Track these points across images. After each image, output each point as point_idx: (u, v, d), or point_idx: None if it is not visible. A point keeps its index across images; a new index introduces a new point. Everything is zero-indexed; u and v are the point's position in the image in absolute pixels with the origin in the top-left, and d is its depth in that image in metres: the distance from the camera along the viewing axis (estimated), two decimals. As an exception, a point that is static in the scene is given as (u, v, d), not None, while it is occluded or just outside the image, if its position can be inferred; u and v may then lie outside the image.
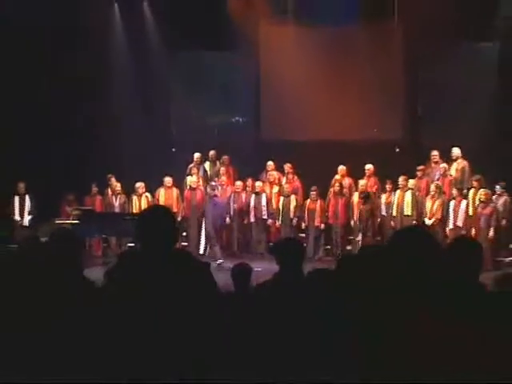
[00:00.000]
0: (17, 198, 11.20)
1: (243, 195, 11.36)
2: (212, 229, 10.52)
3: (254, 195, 11.27)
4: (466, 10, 11.04)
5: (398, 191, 10.76)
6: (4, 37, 10.81)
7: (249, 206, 11.25)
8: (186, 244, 10.93)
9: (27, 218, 11.18)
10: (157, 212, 3.03)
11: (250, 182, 11.56)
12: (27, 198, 11.22)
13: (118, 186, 11.44)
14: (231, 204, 11.29)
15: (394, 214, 10.69)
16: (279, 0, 12.31)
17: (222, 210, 10.92)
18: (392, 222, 10.67)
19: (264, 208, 11.24)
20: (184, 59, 13.11)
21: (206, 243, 10.97)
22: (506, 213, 10.27)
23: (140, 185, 11.32)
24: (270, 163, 11.72)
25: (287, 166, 11.63)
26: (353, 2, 11.95)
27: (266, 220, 11.28)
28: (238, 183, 11.45)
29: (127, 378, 2.62)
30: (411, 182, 10.76)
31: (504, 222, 10.24)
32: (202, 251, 10.97)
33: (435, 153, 11.13)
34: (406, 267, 2.49)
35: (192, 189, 11.36)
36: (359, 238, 10.48)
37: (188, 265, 2.88)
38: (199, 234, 11.21)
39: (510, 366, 2.23)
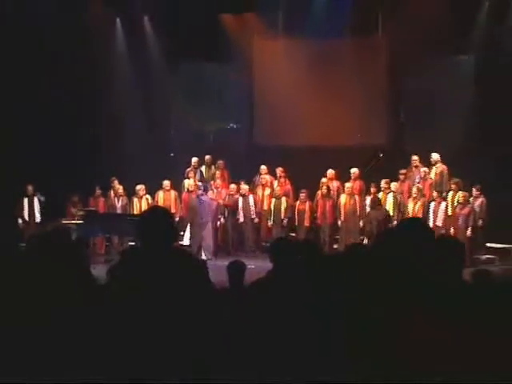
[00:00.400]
0: (26, 200, 11.14)
1: (237, 197, 11.35)
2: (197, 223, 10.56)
3: (241, 198, 11.27)
4: (444, 26, 11.07)
5: (381, 193, 10.78)
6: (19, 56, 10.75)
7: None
8: (183, 243, 10.88)
9: (38, 218, 11.13)
10: (156, 213, 3.03)
11: (242, 185, 11.57)
12: (35, 199, 11.17)
13: (120, 189, 11.38)
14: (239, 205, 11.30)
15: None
16: (271, 16, 12.28)
17: (207, 207, 10.85)
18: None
19: (252, 208, 11.26)
20: (182, 71, 13.08)
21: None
22: (482, 213, 10.28)
23: (140, 187, 11.26)
24: (264, 167, 11.71)
25: (279, 170, 11.62)
26: (340, 17, 11.94)
27: (253, 219, 11.31)
28: (232, 186, 11.45)
29: (129, 374, 2.58)
30: (394, 184, 10.77)
31: (480, 222, 10.25)
32: (187, 242, 10.93)
33: (415, 157, 11.17)
34: (401, 261, 2.46)
35: (189, 191, 11.34)
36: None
37: (186, 262, 2.87)
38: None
39: (502, 362, 2.20)
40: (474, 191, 10.40)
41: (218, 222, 11.36)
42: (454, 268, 2.77)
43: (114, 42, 12.56)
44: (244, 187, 11.36)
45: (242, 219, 11.29)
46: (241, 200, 11.28)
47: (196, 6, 11.55)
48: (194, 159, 11.96)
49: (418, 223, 2.81)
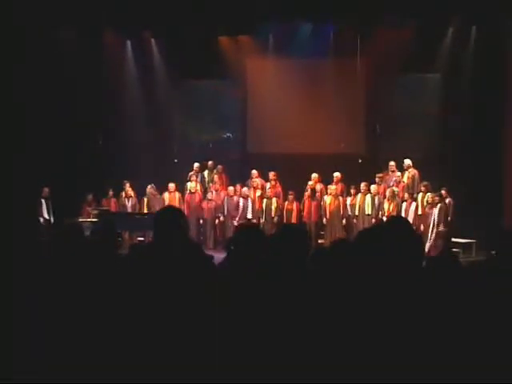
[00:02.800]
0: (43, 201, 11.07)
1: (235, 198, 11.32)
2: None
3: (226, 198, 11.25)
4: (414, 49, 11.22)
5: (360, 195, 10.84)
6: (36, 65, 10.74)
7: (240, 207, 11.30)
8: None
9: (52, 218, 11.08)
10: (170, 211, 3.07)
11: (238, 187, 11.55)
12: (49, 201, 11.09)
13: (130, 191, 11.39)
14: (225, 205, 11.27)
15: (357, 213, 10.76)
16: (263, 39, 12.33)
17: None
18: (355, 220, 10.76)
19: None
20: (184, 87, 13.09)
21: None
22: (450, 213, 10.39)
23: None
24: (254, 172, 11.69)
25: (271, 174, 11.62)
26: (324, 41, 12.06)
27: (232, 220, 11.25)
28: (231, 188, 11.40)
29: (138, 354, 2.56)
30: (373, 187, 10.83)
31: (449, 219, 10.36)
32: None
33: (392, 163, 11.23)
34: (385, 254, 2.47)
35: (191, 193, 11.35)
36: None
37: (195, 253, 2.91)
38: (198, 230, 11.21)
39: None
40: (443, 193, 10.48)
41: (217, 220, 11.37)
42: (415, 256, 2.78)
43: (124, 61, 12.58)
44: (230, 189, 11.32)
45: (222, 218, 11.25)
46: (226, 201, 11.27)
47: (196, 30, 11.61)
48: (196, 164, 11.97)
49: (403, 221, 2.84)
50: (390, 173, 11.18)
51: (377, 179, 11.04)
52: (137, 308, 2.67)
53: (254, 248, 3.13)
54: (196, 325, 2.64)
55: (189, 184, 11.52)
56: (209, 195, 11.36)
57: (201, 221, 11.31)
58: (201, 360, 2.58)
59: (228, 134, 13.48)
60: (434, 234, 10.04)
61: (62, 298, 2.76)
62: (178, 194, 11.39)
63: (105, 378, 2.57)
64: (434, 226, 10.03)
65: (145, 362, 2.57)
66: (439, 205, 10.15)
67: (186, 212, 11.11)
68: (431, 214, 10.07)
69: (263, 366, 2.54)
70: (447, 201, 10.44)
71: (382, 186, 10.98)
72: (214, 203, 11.29)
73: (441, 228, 10.07)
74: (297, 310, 2.64)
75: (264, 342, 2.56)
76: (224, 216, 11.28)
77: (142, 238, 10.75)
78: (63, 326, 2.68)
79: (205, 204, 11.30)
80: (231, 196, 11.31)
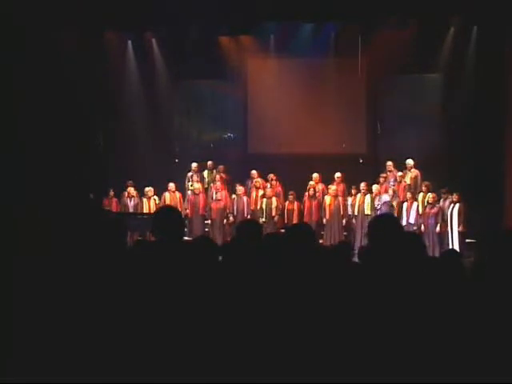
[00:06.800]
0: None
1: (244, 198, 11.28)
2: None
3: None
4: (415, 48, 11.25)
5: (360, 195, 10.84)
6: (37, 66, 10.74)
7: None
8: (189, 238, 10.82)
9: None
10: (168, 210, 3.09)
11: (238, 187, 11.54)
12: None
13: (132, 190, 11.40)
14: (234, 206, 11.24)
15: (356, 213, 10.76)
16: (264, 39, 12.35)
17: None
18: (354, 220, 10.77)
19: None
20: (185, 87, 13.12)
21: None
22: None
23: (149, 189, 11.26)
24: (254, 172, 11.69)
25: (271, 175, 11.63)
26: (325, 41, 12.09)
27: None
28: (240, 188, 11.32)
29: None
30: (375, 186, 10.83)
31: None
32: None
33: (389, 163, 11.28)
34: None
35: (195, 194, 11.33)
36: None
37: (197, 250, 2.94)
38: (203, 231, 11.20)
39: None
40: (443, 192, 10.45)
41: (225, 220, 11.30)
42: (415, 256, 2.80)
43: (125, 61, 12.61)
44: (240, 189, 11.34)
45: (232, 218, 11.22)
46: (236, 201, 11.26)
47: (197, 30, 11.64)
48: (194, 164, 11.98)
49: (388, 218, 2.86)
50: (388, 172, 11.22)
51: (381, 179, 11.06)
52: (144, 305, 2.68)
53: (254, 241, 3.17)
54: (201, 321, 2.65)
55: (189, 184, 11.50)
56: (218, 195, 11.25)
57: (205, 222, 11.28)
58: (206, 357, 2.60)
59: (229, 135, 13.50)
60: (455, 235, 9.98)
61: (66, 295, 2.75)
62: (178, 194, 11.41)
63: (111, 375, 2.56)
64: (451, 226, 10.01)
65: (151, 360, 2.57)
66: (458, 204, 10.06)
67: (190, 212, 11.14)
68: (448, 214, 10.07)
69: (263, 361, 2.56)
70: (448, 201, 10.41)
71: (384, 186, 11.01)
72: (222, 203, 11.23)
73: (460, 228, 10.02)
74: (297, 308, 2.66)
75: (265, 339, 2.58)
76: (234, 216, 11.16)
77: (141, 238, 10.73)
78: (66, 323, 2.67)
79: (214, 204, 11.21)
80: (241, 196, 11.27)
